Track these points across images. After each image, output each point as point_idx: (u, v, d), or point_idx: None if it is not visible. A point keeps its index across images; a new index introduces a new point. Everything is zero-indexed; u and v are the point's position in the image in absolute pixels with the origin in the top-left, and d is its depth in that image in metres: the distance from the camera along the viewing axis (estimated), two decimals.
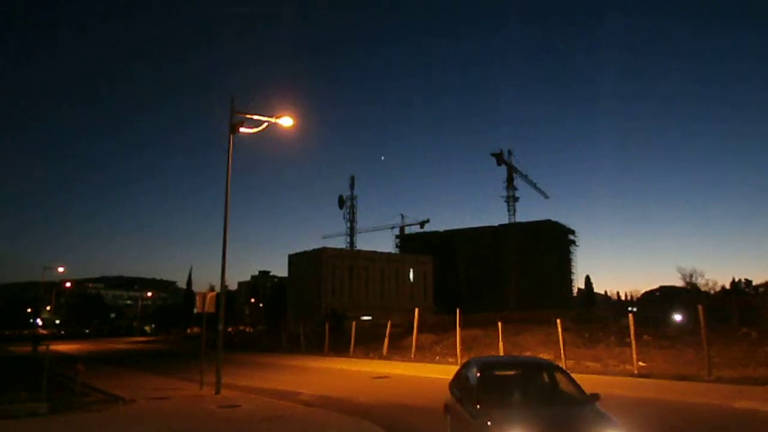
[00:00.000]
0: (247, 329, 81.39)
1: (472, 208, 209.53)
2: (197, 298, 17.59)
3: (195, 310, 17.19)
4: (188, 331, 74.56)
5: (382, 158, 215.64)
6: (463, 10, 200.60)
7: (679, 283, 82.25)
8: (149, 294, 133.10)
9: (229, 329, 64.57)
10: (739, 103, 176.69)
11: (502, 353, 21.24)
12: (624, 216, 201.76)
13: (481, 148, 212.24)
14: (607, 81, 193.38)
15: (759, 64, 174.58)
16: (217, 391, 15.38)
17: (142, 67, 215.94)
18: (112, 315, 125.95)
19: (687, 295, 70.94)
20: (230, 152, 16.78)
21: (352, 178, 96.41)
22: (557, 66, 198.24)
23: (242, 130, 16.82)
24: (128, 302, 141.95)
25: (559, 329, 19.02)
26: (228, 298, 71.82)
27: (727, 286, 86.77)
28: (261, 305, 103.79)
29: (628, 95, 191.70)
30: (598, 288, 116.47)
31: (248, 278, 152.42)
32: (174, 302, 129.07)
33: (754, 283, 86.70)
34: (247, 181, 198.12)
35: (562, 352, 18.72)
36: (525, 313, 51.59)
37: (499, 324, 20.92)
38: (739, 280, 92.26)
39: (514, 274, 79.92)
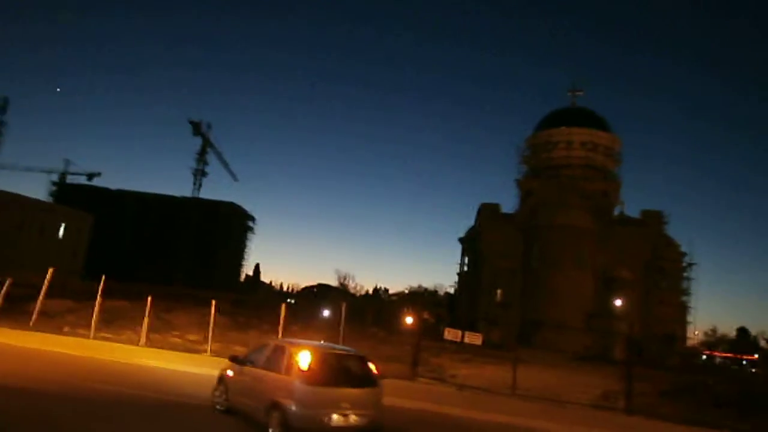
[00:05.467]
0: None
1: (154, 171, 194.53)
2: None
3: None
4: None
5: (58, 89, 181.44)
6: None
7: (334, 282, 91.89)
8: None
9: None
10: (410, 114, 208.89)
11: (145, 330, 19.20)
12: (300, 212, 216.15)
13: (179, 112, 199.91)
14: (308, 82, 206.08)
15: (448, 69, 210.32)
16: None
17: None
18: None
19: (338, 293, 79.46)
20: None
21: (5, 99, 78.55)
22: (267, 56, 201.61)
23: None
24: None
25: (212, 311, 18.20)
26: None
27: (370, 291, 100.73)
28: None
29: (328, 96, 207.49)
30: (266, 277, 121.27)
31: None
32: None
33: (390, 292, 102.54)
34: None
35: (210, 333, 17.90)
36: (189, 291, 49.40)
37: (149, 298, 18.89)
38: (380, 288, 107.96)
39: (186, 249, 76.58)
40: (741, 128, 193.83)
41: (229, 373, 10.32)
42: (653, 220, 63.24)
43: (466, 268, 71.19)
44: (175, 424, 9.51)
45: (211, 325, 18.04)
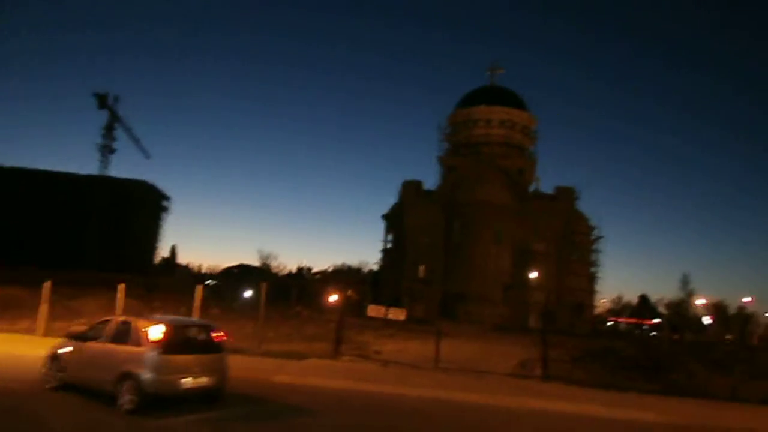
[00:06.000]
0: None
1: (55, 148, 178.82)
2: None
3: None
4: None
5: None
6: None
7: (257, 262, 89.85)
8: None
9: None
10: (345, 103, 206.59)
11: (43, 318, 17.64)
12: (219, 191, 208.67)
13: (83, 83, 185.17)
14: (222, 58, 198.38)
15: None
16: None
17: None
18: None
19: (261, 273, 77.84)
20: None
21: None
22: (177, 30, 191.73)
23: None
24: None
25: (120, 295, 16.98)
26: None
27: (294, 270, 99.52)
28: None
29: (246, 72, 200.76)
30: (184, 259, 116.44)
31: None
32: None
33: (314, 270, 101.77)
34: None
35: None
36: (99, 275, 46.34)
37: (48, 283, 17.36)
38: (304, 266, 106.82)
39: (95, 231, 71.83)
40: (648, 106, 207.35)
41: (66, 349, 10.62)
42: (566, 195, 66.40)
43: (389, 245, 71.80)
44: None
45: (119, 310, 16.82)
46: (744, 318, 72.01)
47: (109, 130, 74.38)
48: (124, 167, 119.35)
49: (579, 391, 13.73)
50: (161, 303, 32.94)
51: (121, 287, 16.97)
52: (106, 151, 74.51)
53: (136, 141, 79.01)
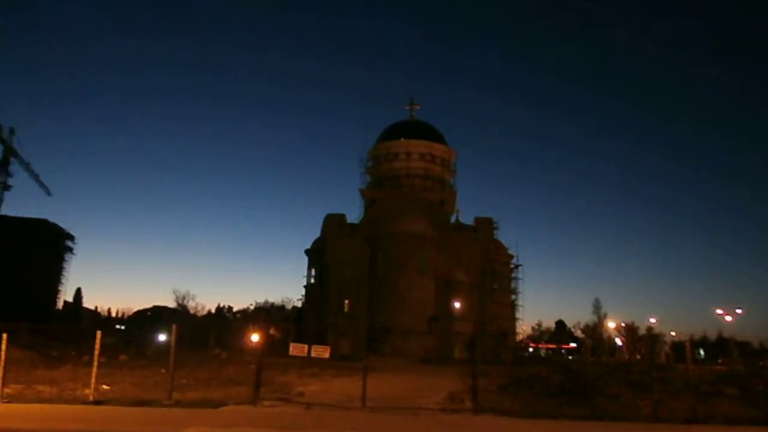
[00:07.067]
0: None
1: None
2: None
3: None
4: None
5: None
6: None
7: (172, 304, 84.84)
8: None
9: None
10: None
11: None
12: (130, 230, 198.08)
13: None
14: (131, 92, 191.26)
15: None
16: None
17: None
18: None
19: (176, 315, 73.49)
20: None
21: None
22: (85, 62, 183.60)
23: None
24: None
25: (3, 345, 14.92)
26: None
27: (213, 311, 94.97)
28: None
29: (161, 107, 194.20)
30: (91, 302, 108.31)
31: None
32: None
33: (234, 309, 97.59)
34: None
35: (0, 373, 14.63)
36: None
37: None
38: (224, 306, 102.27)
39: None
40: (559, 140, 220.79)
41: None
42: (485, 226, 68.18)
43: (313, 280, 70.28)
44: None
45: (1, 363, 14.75)
46: (652, 338, 76.23)
47: (3, 166, 68.62)
48: (21, 206, 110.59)
49: (511, 423, 13.38)
50: (60, 352, 30.03)
51: (5, 337, 14.92)
52: (0, 187, 68.55)
53: (36, 177, 73.40)
